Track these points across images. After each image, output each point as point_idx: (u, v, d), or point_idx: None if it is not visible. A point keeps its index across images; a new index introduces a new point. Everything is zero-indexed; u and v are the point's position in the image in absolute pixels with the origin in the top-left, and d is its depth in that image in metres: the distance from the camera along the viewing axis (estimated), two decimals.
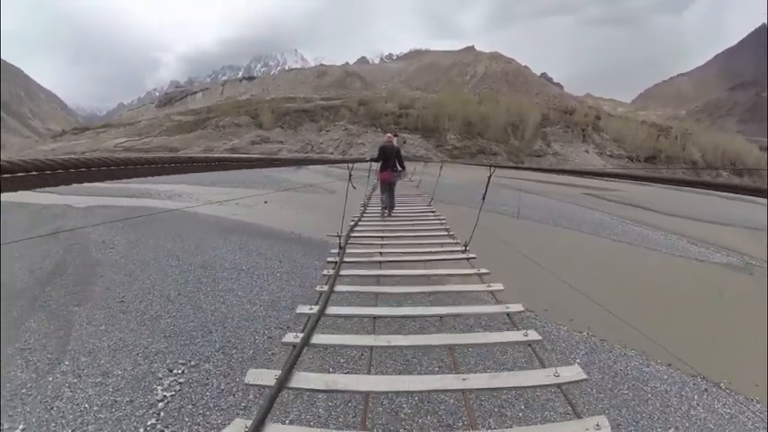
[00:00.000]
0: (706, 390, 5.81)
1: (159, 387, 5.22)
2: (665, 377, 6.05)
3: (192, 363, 5.71)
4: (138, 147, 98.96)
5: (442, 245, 5.80)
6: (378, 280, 4.40)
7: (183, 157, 1.92)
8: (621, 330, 6.75)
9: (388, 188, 8.85)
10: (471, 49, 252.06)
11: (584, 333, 7.29)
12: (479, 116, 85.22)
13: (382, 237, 6.45)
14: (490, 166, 4.37)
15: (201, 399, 4.97)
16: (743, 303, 9.51)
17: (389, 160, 8.96)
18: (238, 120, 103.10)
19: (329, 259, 4.90)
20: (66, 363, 5.84)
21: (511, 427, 4.27)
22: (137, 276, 9.22)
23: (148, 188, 25.97)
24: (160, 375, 5.47)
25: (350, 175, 5.03)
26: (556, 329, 7.20)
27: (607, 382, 5.72)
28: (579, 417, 2.12)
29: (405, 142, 70.19)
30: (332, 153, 75.06)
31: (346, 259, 4.89)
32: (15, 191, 0.84)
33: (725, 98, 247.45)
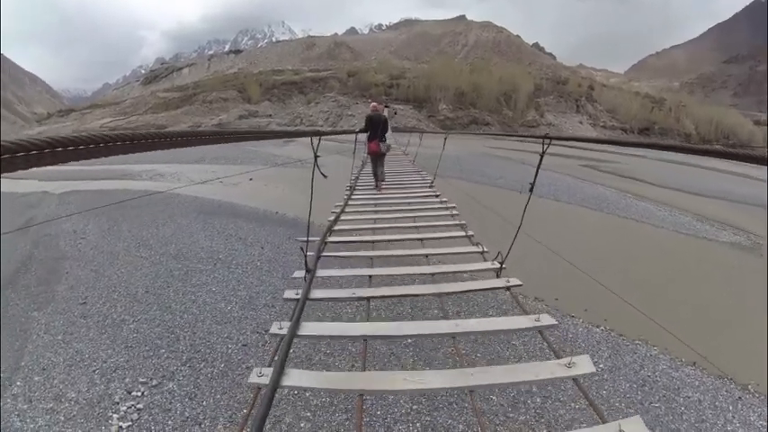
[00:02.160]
0: (740, 398, 5.09)
1: (115, 415, 4.39)
2: (696, 383, 5.33)
3: (154, 381, 4.85)
4: (123, 126, 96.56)
5: (450, 237, 4.95)
6: (371, 261, 4.07)
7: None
8: (637, 319, 6.03)
9: (378, 160, 8.42)
10: (462, 18, 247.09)
11: (603, 328, 6.52)
12: (471, 86, 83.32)
13: (375, 219, 5.80)
14: (544, 138, 3.25)
15: (162, 430, 4.13)
16: (755, 288, 8.77)
17: (377, 130, 8.48)
18: (225, 94, 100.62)
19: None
20: (18, 383, 5.04)
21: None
22: (103, 272, 8.32)
23: (129, 168, 24.78)
24: (117, 399, 4.64)
25: (315, 157, 3.22)
26: (572, 324, 6.41)
27: (636, 393, 4.96)
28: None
29: (396, 113, 68.55)
30: (321, 125, 73.29)
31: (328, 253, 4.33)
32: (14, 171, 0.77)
33: (719, 71, 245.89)
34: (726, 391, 5.18)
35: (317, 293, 3.10)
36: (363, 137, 8.66)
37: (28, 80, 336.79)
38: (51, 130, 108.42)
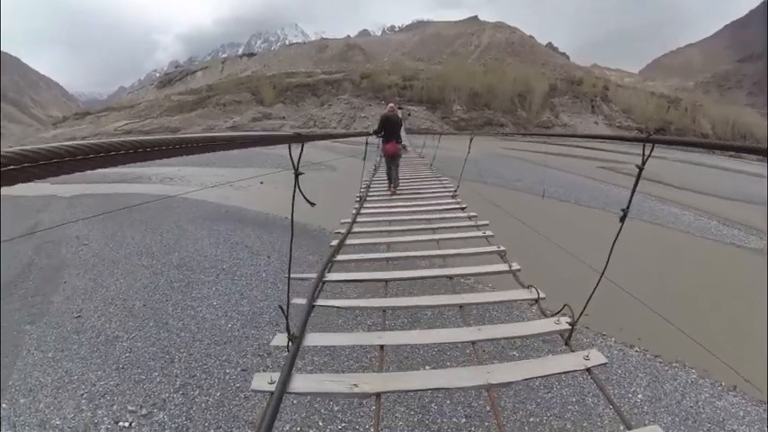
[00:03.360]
0: None
1: None
2: (741, 413, 4.78)
3: (144, 410, 4.38)
4: (138, 129, 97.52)
5: (488, 273, 3.76)
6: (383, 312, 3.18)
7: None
8: (671, 336, 5.45)
9: (393, 162, 7.96)
10: (475, 19, 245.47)
11: (637, 348, 5.92)
12: (485, 87, 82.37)
13: (388, 244, 5.08)
14: (645, 140, 2.31)
15: None
16: None
17: (393, 131, 8.06)
18: (239, 97, 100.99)
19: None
20: (5, 405, 4.68)
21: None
22: (102, 282, 7.92)
23: (142, 171, 24.61)
24: (103, 429, 4.18)
25: (296, 175, 2.18)
26: (606, 346, 5.80)
27: (679, 428, 4.37)
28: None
29: (410, 114, 68.15)
30: (335, 127, 72.97)
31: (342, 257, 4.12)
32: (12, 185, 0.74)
33: (734, 70, 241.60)
34: None
35: (313, 339, 2.57)
36: (373, 139, 8.25)
37: (44, 84, 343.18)
38: (67, 133, 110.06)
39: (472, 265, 3.76)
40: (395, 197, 7.32)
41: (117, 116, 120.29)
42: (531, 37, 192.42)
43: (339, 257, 4.01)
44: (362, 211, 6.14)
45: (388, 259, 4.13)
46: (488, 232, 4.57)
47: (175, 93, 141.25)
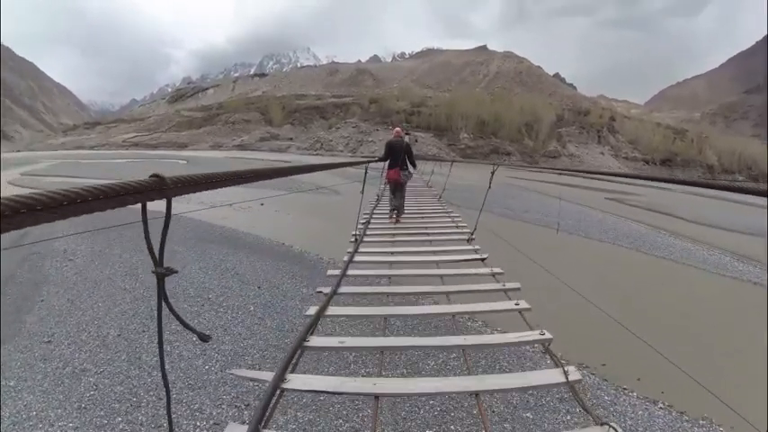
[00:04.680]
0: None
1: None
2: None
3: None
4: (146, 142, 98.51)
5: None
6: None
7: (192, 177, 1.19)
8: (694, 387, 4.83)
9: (396, 189, 7.66)
10: (484, 48, 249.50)
11: (662, 404, 5.27)
12: (492, 115, 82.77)
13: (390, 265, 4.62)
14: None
15: None
16: None
17: (398, 157, 7.71)
18: (248, 116, 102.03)
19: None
20: None
21: None
22: (80, 303, 7.37)
23: None
24: None
25: None
26: (629, 404, 5.14)
27: None
28: None
29: (417, 141, 68.20)
30: (341, 151, 73.14)
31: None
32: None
33: (739, 101, 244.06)
34: None
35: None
36: (376, 166, 7.78)
37: (57, 91, 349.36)
38: (75, 141, 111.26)
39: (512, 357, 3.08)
40: (398, 239, 6.13)
41: (126, 128, 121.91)
42: (538, 67, 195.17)
43: (309, 342, 2.66)
44: (356, 258, 4.76)
45: (385, 319, 3.44)
46: (523, 303, 3.22)
47: (185, 108, 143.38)
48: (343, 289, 3.68)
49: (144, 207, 1.06)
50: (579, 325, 6.86)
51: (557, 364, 2.40)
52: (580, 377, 2.31)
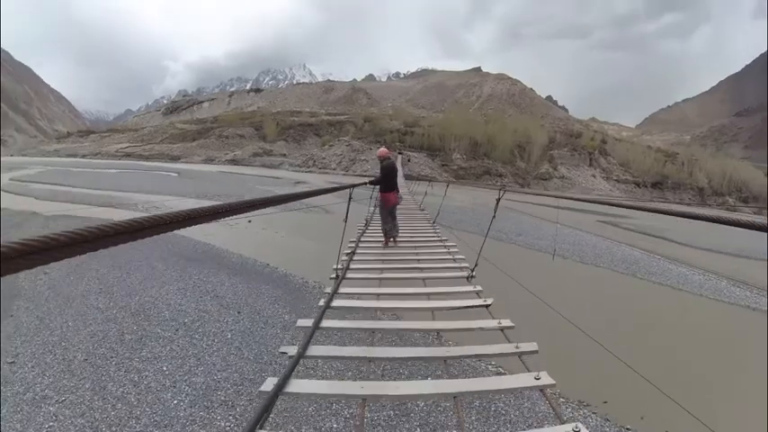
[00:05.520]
0: None
1: None
2: None
3: None
4: (138, 152, 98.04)
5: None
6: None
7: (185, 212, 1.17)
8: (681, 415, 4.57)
9: (390, 212, 7.23)
10: (478, 69, 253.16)
11: None
12: (485, 137, 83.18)
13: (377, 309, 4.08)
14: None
15: None
16: None
17: (394, 180, 7.41)
18: (242, 131, 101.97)
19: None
20: None
21: None
22: (50, 321, 7.03)
23: (131, 197, 23.93)
24: None
25: None
26: None
27: None
28: None
29: (409, 160, 68.33)
30: (334, 169, 72.87)
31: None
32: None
33: (730, 124, 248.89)
34: None
35: None
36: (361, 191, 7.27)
37: (53, 98, 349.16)
38: (69, 148, 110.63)
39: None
40: (386, 275, 5.19)
41: (120, 138, 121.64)
42: (531, 89, 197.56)
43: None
44: (334, 303, 3.93)
45: (369, 363, 3.02)
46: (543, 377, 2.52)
47: (180, 121, 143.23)
48: (311, 350, 2.91)
49: None
50: (579, 360, 6.59)
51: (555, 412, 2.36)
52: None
